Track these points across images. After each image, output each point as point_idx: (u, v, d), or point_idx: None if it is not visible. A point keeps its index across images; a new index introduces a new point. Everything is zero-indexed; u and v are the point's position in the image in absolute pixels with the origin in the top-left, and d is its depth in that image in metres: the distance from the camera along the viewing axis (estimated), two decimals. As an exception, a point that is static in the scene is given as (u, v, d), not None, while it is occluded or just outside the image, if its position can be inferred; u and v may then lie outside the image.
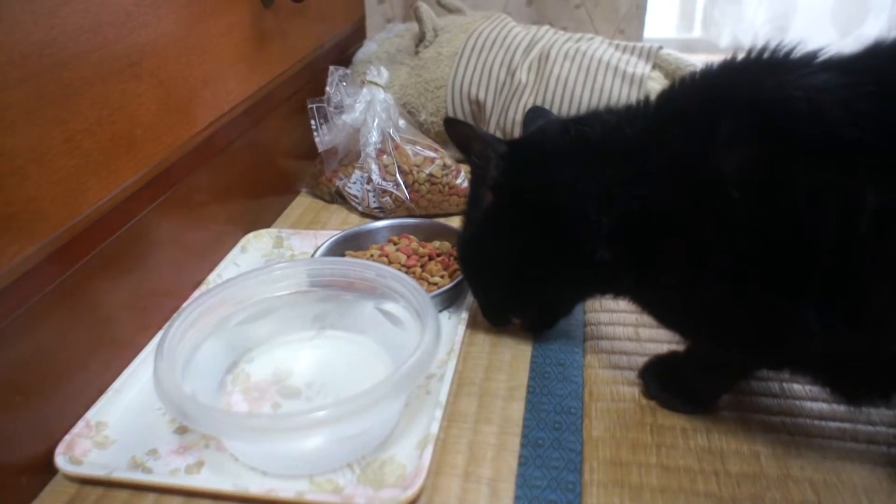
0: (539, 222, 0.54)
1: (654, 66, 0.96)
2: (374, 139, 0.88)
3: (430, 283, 0.70)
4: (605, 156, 0.50)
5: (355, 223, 0.85)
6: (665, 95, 0.51)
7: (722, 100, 0.46)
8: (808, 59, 0.45)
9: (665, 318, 0.55)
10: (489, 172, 0.56)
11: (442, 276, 0.71)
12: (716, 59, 0.49)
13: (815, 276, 0.42)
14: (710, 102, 0.47)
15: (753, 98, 0.44)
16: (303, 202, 0.96)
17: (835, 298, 0.42)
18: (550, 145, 0.55)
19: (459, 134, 0.58)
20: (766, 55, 0.46)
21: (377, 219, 0.85)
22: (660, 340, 0.63)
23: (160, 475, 0.51)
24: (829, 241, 0.41)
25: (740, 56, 0.47)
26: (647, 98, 0.52)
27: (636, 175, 0.48)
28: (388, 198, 0.87)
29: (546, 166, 0.54)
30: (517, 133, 0.96)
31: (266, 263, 0.78)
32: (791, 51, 0.46)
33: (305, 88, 0.96)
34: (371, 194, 0.87)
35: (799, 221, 0.42)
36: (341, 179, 0.90)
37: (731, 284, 0.46)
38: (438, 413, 0.53)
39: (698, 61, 0.93)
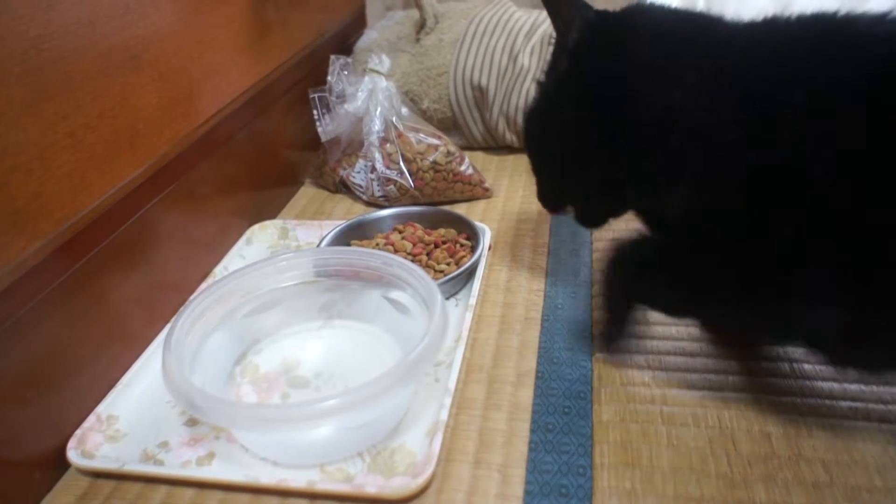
0: (602, 106, 0.50)
1: (658, 48, 0.95)
2: (376, 128, 0.87)
3: (436, 271, 0.70)
4: (700, 71, 0.46)
5: (360, 212, 0.85)
6: (773, 25, 0.48)
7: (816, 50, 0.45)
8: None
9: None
10: (570, 35, 0.52)
11: (448, 264, 0.71)
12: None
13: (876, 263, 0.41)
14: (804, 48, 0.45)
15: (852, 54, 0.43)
16: (307, 192, 0.96)
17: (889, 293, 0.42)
18: (657, 21, 0.50)
19: None
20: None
21: (382, 207, 0.85)
22: (667, 323, 0.63)
23: (172, 467, 0.51)
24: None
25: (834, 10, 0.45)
26: (768, 20, 0.48)
27: (713, 108, 0.45)
28: (392, 186, 0.86)
29: (639, 46, 0.49)
30: (521, 119, 0.96)
31: (272, 254, 0.78)
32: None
33: (307, 78, 0.96)
34: (375, 183, 0.87)
35: (879, 203, 0.41)
36: (345, 169, 0.90)
37: (780, 233, 0.44)
38: (447, 400, 0.53)
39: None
